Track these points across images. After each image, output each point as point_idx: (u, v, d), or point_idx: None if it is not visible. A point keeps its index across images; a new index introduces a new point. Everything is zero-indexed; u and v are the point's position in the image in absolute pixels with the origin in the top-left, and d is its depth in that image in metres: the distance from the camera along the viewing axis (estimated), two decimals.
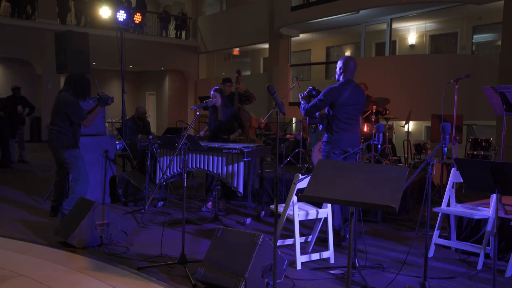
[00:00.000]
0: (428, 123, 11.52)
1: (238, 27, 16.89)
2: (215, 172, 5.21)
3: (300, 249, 3.82)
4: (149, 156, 5.78)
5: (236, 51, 18.79)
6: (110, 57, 13.29)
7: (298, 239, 3.78)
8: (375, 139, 3.91)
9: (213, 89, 5.83)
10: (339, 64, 4.45)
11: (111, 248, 4.17)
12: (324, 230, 4.22)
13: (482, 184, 3.15)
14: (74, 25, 15.60)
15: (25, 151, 10.31)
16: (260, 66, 20.05)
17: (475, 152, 7.00)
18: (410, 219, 5.45)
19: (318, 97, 4.39)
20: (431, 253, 4.14)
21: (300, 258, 3.79)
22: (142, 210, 5.59)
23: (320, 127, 4.64)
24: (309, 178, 2.70)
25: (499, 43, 10.94)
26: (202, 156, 5.28)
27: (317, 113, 4.55)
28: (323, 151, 4.48)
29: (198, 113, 3.86)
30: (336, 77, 4.51)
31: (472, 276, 3.68)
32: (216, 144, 5.35)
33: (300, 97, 4.63)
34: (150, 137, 5.88)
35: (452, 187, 4.29)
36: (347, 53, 16.60)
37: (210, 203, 5.86)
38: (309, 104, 4.43)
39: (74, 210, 4.47)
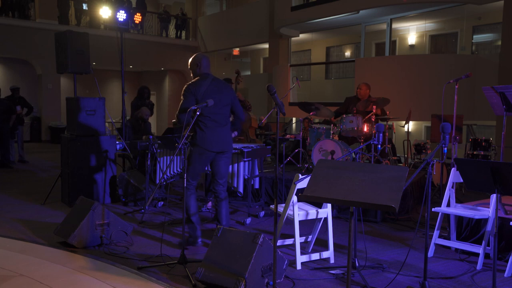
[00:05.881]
0: (428, 123, 11.54)
1: (238, 27, 16.89)
2: None
3: (300, 249, 3.83)
4: (149, 156, 5.78)
5: (236, 51, 18.80)
6: (110, 57, 13.33)
7: (298, 239, 3.78)
8: (375, 139, 3.91)
9: None
10: (190, 62, 4.27)
11: (111, 248, 4.17)
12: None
13: (482, 184, 3.16)
14: (74, 25, 15.62)
15: (24, 151, 10.30)
16: (260, 66, 20.06)
17: (475, 152, 7.00)
18: (410, 219, 5.45)
19: (182, 99, 4.15)
20: (431, 253, 4.14)
21: (300, 258, 3.79)
22: (142, 210, 5.59)
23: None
24: (309, 178, 2.70)
25: (499, 43, 10.95)
26: None
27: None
28: (190, 152, 4.21)
29: (198, 113, 3.86)
30: (193, 76, 4.30)
31: (472, 276, 3.68)
32: None
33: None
34: (150, 137, 5.88)
35: (452, 187, 4.29)
36: (347, 53, 16.60)
37: (210, 203, 5.86)
38: (178, 111, 4.10)
39: (75, 210, 4.47)
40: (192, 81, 4.22)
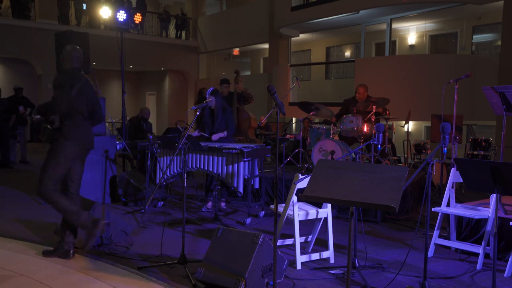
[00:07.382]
0: (428, 123, 11.53)
1: (238, 27, 16.89)
2: (215, 172, 5.21)
3: (300, 249, 3.83)
4: (149, 156, 5.79)
5: (236, 51, 18.80)
6: (110, 57, 13.31)
7: (298, 239, 3.78)
8: (375, 139, 3.92)
9: (208, 92, 5.71)
10: (71, 56, 3.91)
11: (111, 248, 4.17)
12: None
13: (482, 184, 3.16)
14: (74, 25, 15.61)
15: (27, 151, 10.30)
16: (260, 66, 20.05)
17: (474, 152, 7.00)
18: (410, 219, 5.45)
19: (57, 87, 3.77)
20: (431, 253, 4.14)
21: (300, 258, 3.79)
22: (142, 210, 5.59)
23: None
24: (309, 178, 2.70)
25: (499, 43, 10.95)
26: (202, 156, 5.28)
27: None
28: (58, 147, 3.87)
29: (198, 113, 3.86)
30: (65, 67, 3.95)
31: (471, 276, 3.68)
32: (216, 144, 5.35)
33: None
34: (150, 137, 5.88)
35: (452, 187, 4.29)
36: (347, 53, 16.60)
37: (210, 203, 5.86)
38: (57, 99, 3.75)
39: None
40: (67, 72, 3.90)
